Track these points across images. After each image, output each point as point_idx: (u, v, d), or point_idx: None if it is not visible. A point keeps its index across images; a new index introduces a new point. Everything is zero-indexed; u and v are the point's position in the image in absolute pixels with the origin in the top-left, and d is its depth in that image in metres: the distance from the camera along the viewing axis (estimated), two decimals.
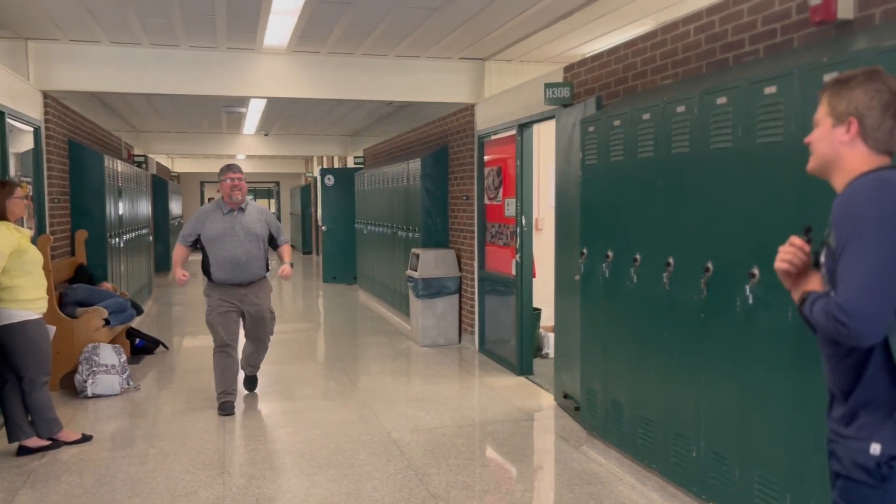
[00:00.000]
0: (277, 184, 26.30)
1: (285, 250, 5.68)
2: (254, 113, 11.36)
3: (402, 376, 6.68)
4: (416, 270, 7.82)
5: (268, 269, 5.51)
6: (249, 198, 5.63)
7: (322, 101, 9.22)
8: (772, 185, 2.97)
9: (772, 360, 3.01)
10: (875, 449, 1.65)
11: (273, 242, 5.61)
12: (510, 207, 6.60)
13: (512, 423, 5.17)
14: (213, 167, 21.48)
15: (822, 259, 1.78)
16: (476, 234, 7.40)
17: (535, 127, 6.31)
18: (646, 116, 3.82)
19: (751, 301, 3.09)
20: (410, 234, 8.70)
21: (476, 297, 7.44)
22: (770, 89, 2.96)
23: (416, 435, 4.88)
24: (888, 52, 2.45)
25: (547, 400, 5.74)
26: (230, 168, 5.41)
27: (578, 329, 4.78)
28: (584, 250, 4.50)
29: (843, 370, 1.74)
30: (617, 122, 4.09)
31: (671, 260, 3.62)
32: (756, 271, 3.05)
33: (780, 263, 1.84)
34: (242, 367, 5.81)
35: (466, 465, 4.42)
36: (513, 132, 6.52)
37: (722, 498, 3.31)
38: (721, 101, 3.24)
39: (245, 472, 4.28)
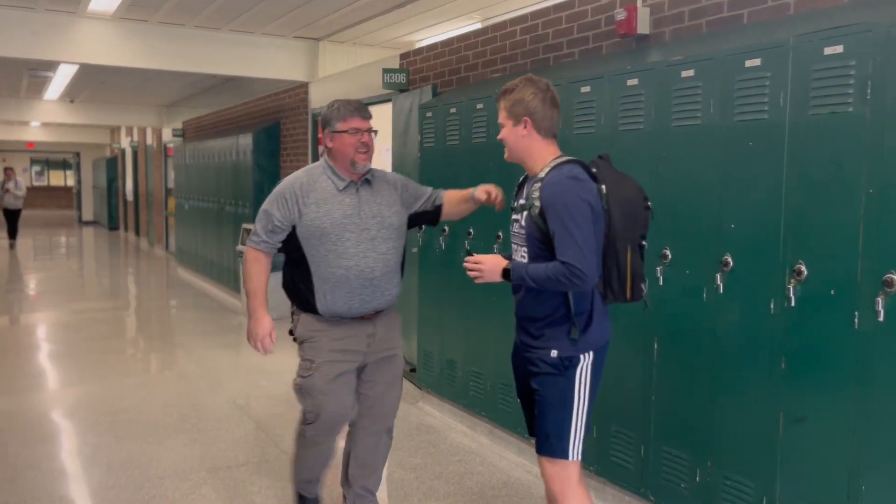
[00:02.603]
0: (78, 154, 24.36)
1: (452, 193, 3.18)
2: (62, 78, 10.62)
3: (236, 349, 6.78)
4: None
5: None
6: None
7: (141, 69, 8.90)
8: None
9: None
10: (554, 353, 2.41)
11: (424, 214, 3.16)
12: None
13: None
14: (1, 135, 19.50)
15: (522, 222, 2.43)
16: None
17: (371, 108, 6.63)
18: (479, 106, 4.29)
19: None
20: (240, 209, 8.70)
21: None
22: (585, 88, 3.53)
23: (260, 401, 5.08)
24: (674, 65, 3.07)
25: None
26: (357, 109, 2.90)
27: (414, 298, 5.22)
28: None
29: (537, 304, 2.44)
30: (453, 110, 4.54)
31: (500, 233, 4.13)
32: None
33: (480, 278, 2.45)
34: (345, 484, 3.19)
35: None
36: None
37: None
38: None
39: (89, 441, 4.28)
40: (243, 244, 7.90)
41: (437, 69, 5.40)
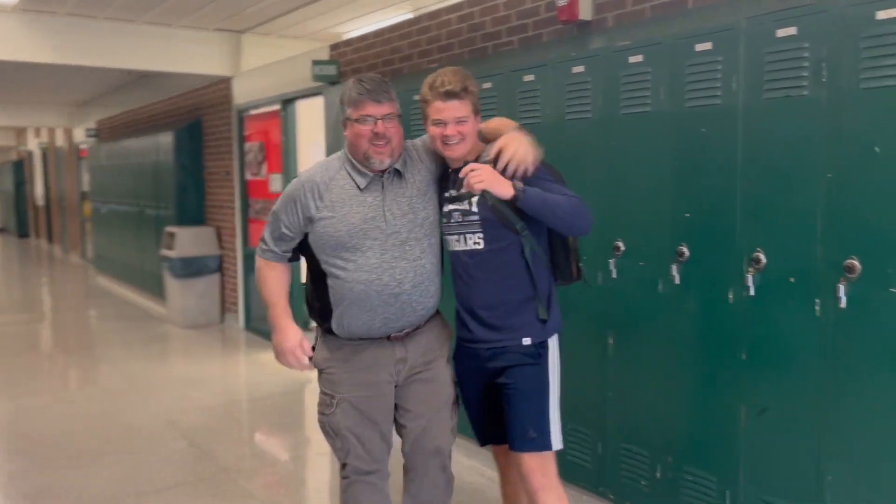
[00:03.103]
0: None
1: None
2: None
3: (164, 359, 6.43)
4: (171, 250, 7.48)
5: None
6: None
7: (49, 65, 8.34)
8: None
9: None
10: (527, 341, 2.30)
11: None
12: (275, 183, 6.61)
13: (290, 394, 5.27)
14: None
15: (473, 208, 2.29)
16: (238, 211, 7.28)
17: (300, 103, 6.38)
18: (416, 97, 4.12)
19: None
20: (162, 212, 8.28)
21: (240, 274, 7.34)
22: (528, 77, 3.41)
23: (193, 415, 4.78)
24: (621, 51, 2.98)
25: None
26: (369, 91, 2.26)
27: None
28: None
29: (499, 289, 2.29)
30: None
31: None
32: None
33: (482, 183, 2.14)
34: None
35: (252, 437, 4.48)
36: (276, 107, 6.52)
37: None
38: (487, 85, 3.63)
39: (3, 469, 3.92)
40: (168, 248, 7.51)
41: (369, 60, 5.20)
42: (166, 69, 7.14)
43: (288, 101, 6.35)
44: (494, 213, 2.27)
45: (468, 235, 2.33)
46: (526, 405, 2.31)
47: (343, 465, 2.45)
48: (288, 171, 6.38)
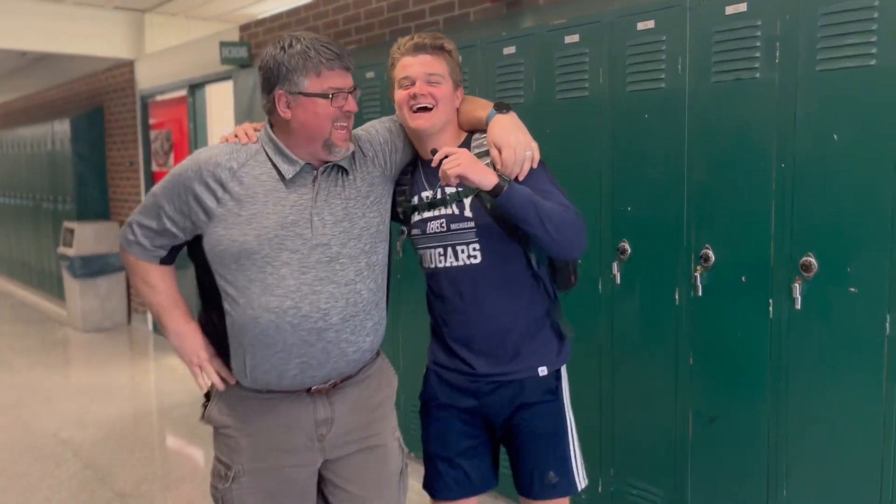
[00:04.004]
0: None
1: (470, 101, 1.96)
2: None
3: (61, 367, 5.89)
4: (70, 247, 6.89)
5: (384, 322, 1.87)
6: None
7: None
8: None
9: None
10: (543, 371, 1.87)
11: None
12: None
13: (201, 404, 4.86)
14: None
15: (467, 212, 1.82)
16: None
17: (209, 88, 5.93)
18: None
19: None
20: (60, 206, 7.65)
21: None
22: None
23: (90, 431, 4.33)
24: (557, 30, 2.74)
25: None
26: (338, 56, 1.66)
27: None
28: None
29: (511, 309, 1.84)
30: None
31: None
32: None
33: (458, 168, 1.69)
34: None
35: (156, 456, 4.07)
36: (183, 93, 6.05)
37: None
38: None
39: None
40: (67, 246, 6.92)
41: None
42: (60, 50, 6.54)
43: (196, 86, 5.89)
44: (493, 216, 1.79)
45: (459, 248, 1.83)
46: (546, 451, 1.89)
47: None
48: None
